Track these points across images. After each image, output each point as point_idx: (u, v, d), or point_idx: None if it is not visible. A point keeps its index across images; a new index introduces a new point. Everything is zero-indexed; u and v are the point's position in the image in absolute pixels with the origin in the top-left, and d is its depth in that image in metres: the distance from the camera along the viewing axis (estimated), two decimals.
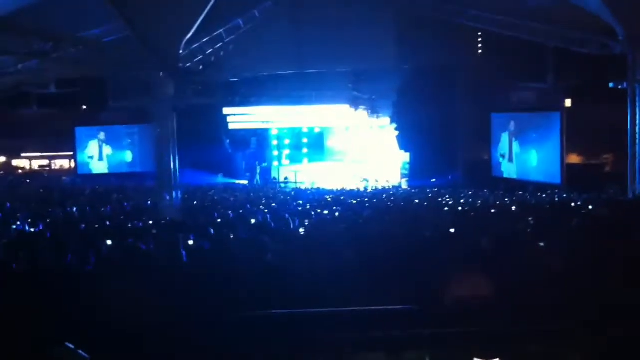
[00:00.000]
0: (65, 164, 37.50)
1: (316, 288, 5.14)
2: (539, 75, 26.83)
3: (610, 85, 20.31)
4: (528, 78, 27.53)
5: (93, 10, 20.93)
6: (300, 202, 18.94)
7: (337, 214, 13.53)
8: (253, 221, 11.32)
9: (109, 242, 8.41)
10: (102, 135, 33.64)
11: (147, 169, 27.94)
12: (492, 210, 13.11)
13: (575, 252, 6.19)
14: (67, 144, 34.27)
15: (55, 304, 4.32)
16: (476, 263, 5.98)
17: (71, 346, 3.02)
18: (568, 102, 26.42)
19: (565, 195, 20.11)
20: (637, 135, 19.10)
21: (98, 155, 33.63)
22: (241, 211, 14.71)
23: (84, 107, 34.70)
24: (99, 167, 33.58)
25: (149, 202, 18.85)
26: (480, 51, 28.89)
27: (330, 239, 8.33)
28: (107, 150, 33.63)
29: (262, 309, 4.28)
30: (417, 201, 19.06)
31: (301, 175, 32.99)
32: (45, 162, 38.29)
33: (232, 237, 8.96)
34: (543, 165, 25.77)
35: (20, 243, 8.21)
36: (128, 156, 33.62)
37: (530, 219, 9.92)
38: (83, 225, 11.62)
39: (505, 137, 27.99)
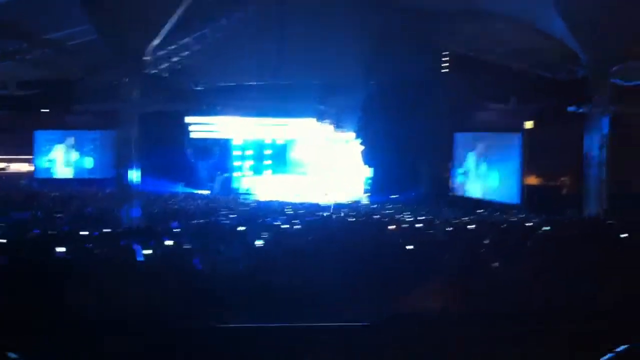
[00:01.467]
0: (23, 167, 36.72)
1: (270, 299, 5.14)
2: (503, 96, 27.29)
3: (570, 109, 20.64)
4: (492, 99, 28.00)
5: (60, 12, 20.70)
6: (261, 214, 18.87)
7: (295, 227, 13.54)
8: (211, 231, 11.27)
9: (63, 249, 8.26)
10: (71, 140, 33.08)
11: (108, 175, 27.62)
12: (449, 229, 13.26)
13: (527, 269, 6.32)
14: (28, 147, 33.57)
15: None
16: (432, 278, 6.05)
17: (14, 355, 2.93)
18: (529, 124, 26.92)
19: (523, 216, 20.40)
20: (593, 158, 19.53)
21: (64, 160, 33.03)
22: (200, 221, 14.62)
23: (45, 110, 33.99)
24: (64, 172, 32.97)
25: (107, 209, 18.59)
26: (445, 70, 29.30)
27: (287, 252, 8.32)
28: (75, 155, 33.08)
29: (214, 319, 4.26)
30: (377, 216, 19.14)
31: (263, 186, 32.87)
32: (2, 164, 37.45)
33: (189, 246, 8.88)
34: (503, 186, 26.08)
35: None
36: (88, 162, 33.07)
37: (485, 238, 10.06)
38: (37, 230, 11.40)
39: (471, 157, 28.26)
